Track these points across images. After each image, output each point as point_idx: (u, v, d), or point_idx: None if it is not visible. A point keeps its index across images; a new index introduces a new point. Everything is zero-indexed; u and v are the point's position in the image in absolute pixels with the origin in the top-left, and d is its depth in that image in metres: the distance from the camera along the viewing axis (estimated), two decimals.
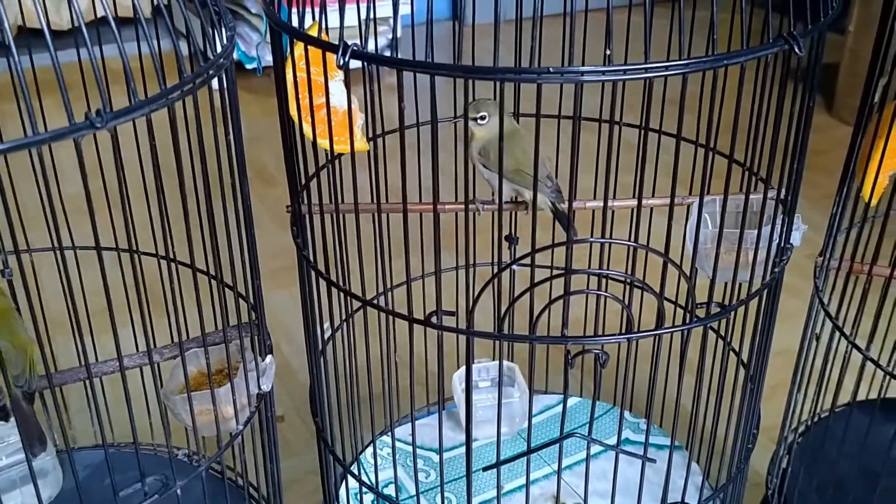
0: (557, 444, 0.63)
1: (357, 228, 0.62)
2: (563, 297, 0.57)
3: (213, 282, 0.71)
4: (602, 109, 0.80)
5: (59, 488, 0.89)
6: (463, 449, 0.98)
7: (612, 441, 0.98)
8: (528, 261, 0.56)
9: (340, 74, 0.71)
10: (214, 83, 0.59)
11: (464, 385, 1.02)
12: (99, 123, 0.48)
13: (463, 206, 0.57)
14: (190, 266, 0.72)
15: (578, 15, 0.78)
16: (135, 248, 0.62)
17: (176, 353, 0.70)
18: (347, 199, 0.68)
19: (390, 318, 0.63)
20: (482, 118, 0.73)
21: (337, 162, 0.71)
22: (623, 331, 0.57)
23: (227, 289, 0.67)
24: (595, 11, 0.84)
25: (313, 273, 0.68)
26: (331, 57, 0.58)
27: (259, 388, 0.69)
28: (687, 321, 0.59)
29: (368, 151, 0.73)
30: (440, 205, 0.69)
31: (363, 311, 0.64)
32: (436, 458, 0.98)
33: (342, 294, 0.65)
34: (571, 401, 1.04)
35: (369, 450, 0.90)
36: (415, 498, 0.91)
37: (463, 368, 1.02)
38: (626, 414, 1.03)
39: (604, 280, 0.64)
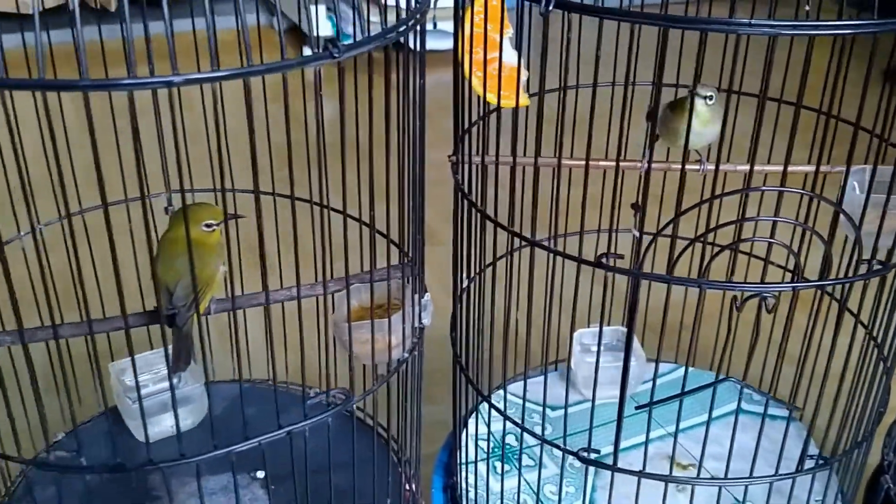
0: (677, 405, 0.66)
1: (511, 177, 0.66)
2: (734, 245, 0.60)
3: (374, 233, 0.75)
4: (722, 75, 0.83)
5: (202, 416, 0.96)
6: (580, 406, 1.01)
7: (728, 409, 1.00)
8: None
9: (511, 31, 0.75)
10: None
11: (581, 346, 1.06)
12: (336, 54, 0.52)
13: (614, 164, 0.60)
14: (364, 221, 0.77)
15: None
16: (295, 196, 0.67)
17: (341, 287, 0.75)
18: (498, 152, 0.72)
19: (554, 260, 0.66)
20: (710, 98, 0.78)
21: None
22: (791, 279, 0.60)
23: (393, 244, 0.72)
24: None
25: (473, 212, 0.72)
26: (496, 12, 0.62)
27: (420, 322, 0.74)
28: (850, 274, 0.62)
29: (527, 107, 0.77)
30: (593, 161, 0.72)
31: (531, 252, 0.67)
32: (551, 413, 1.01)
33: (509, 236, 0.69)
34: (681, 371, 1.07)
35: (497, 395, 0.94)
36: (530, 449, 0.95)
37: (582, 329, 1.06)
38: (738, 385, 1.05)
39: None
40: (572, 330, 0.78)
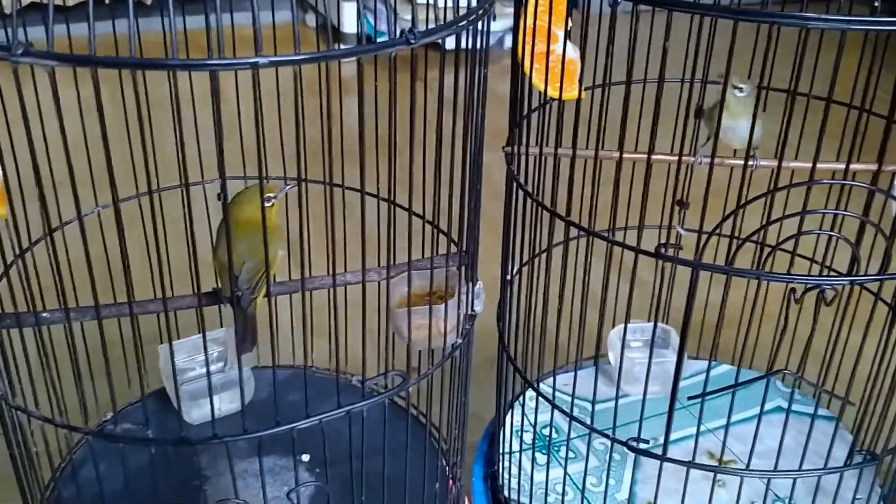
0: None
1: (571, 168, 0.67)
2: (795, 237, 0.60)
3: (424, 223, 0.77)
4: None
5: (249, 398, 0.97)
6: (620, 401, 1.02)
7: (768, 406, 1.01)
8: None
9: (568, 24, 0.76)
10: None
11: (622, 341, 1.06)
12: (413, 40, 0.54)
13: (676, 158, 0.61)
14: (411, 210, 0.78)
15: None
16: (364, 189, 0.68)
17: (393, 274, 0.76)
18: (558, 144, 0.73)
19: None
20: (740, 90, 0.79)
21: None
22: (849, 272, 0.61)
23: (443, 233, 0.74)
24: None
25: (528, 201, 0.73)
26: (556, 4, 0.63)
27: (472, 309, 0.75)
28: None
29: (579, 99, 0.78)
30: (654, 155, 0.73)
31: (587, 243, 0.68)
32: (590, 407, 1.02)
33: (566, 225, 0.70)
34: (722, 367, 1.07)
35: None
36: (572, 440, 0.96)
37: (620, 326, 1.07)
38: (778, 383, 1.05)
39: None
40: (628, 321, 0.78)
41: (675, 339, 1.05)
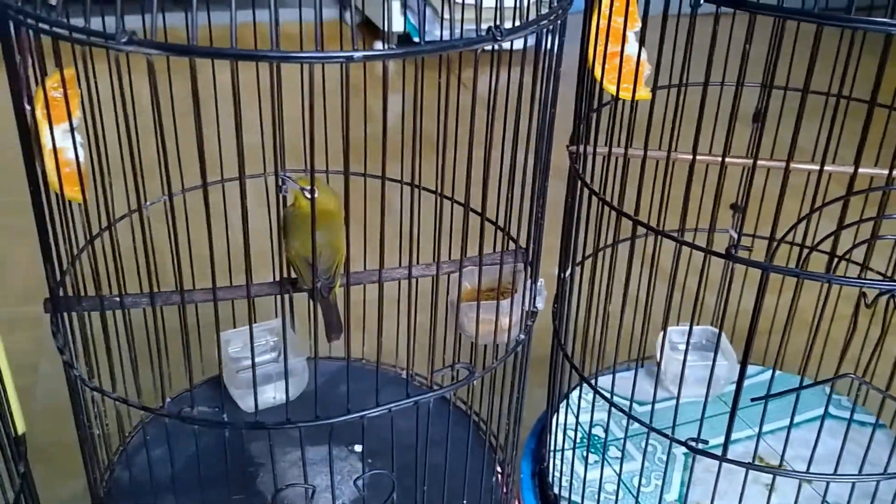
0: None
1: (641, 169, 0.67)
2: (868, 241, 0.61)
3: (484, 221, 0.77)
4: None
5: (302, 389, 0.99)
6: (666, 403, 1.02)
7: (814, 414, 1.01)
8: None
9: (638, 26, 0.76)
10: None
11: (671, 343, 1.07)
12: (499, 36, 0.54)
13: (751, 161, 0.62)
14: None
15: None
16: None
17: (454, 269, 0.77)
18: (628, 144, 0.73)
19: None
20: None
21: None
22: None
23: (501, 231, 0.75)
24: None
25: (593, 199, 0.73)
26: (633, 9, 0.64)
27: (534, 305, 0.76)
28: None
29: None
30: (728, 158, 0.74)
31: (656, 241, 0.69)
32: (639, 408, 1.02)
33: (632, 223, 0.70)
34: (772, 373, 1.07)
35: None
36: (621, 440, 0.96)
37: (672, 327, 1.07)
38: (826, 388, 1.05)
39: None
40: (666, 322, 0.79)
41: (724, 342, 1.05)
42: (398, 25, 2.50)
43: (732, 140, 0.81)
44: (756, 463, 0.73)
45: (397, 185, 0.91)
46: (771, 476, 0.90)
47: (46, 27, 0.52)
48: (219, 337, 0.93)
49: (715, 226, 0.66)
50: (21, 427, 0.70)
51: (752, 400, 0.72)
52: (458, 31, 0.69)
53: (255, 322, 1.01)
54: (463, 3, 0.85)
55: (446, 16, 2.46)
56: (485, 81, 0.64)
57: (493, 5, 0.60)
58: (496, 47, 0.56)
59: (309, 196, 0.77)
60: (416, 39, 2.46)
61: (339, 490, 0.88)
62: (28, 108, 0.63)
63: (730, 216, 1.00)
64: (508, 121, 0.65)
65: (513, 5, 0.66)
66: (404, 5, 2.50)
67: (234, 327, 1.00)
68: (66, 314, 0.67)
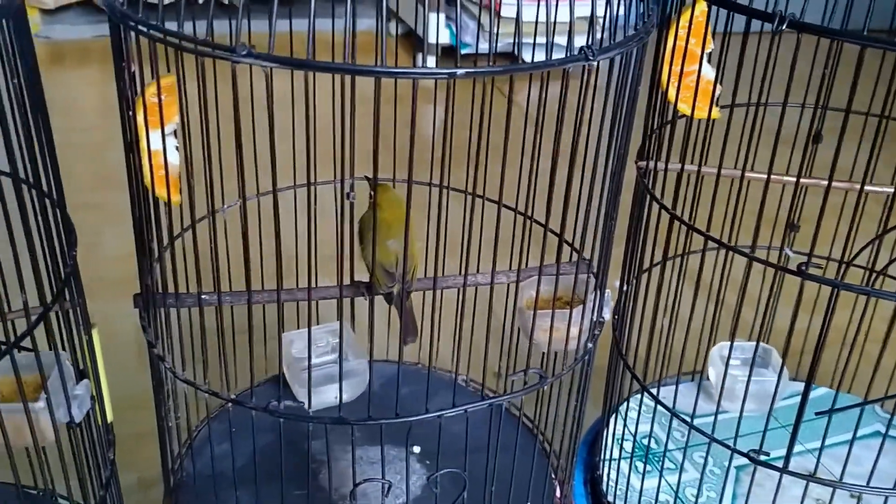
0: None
1: (715, 185, 0.70)
2: None
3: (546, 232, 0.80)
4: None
5: (362, 390, 1.01)
6: (718, 417, 1.04)
7: (860, 432, 1.02)
8: None
9: (711, 47, 0.79)
10: None
11: (721, 358, 1.08)
12: (591, 56, 0.57)
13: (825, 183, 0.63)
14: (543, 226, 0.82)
15: None
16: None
17: (515, 278, 0.80)
18: (702, 162, 0.76)
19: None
20: None
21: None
22: None
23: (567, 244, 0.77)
24: None
25: (656, 206, 0.76)
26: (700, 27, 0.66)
27: (601, 315, 0.78)
28: None
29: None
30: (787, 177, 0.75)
31: (725, 257, 0.71)
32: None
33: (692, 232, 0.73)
34: (820, 391, 1.08)
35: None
36: (672, 451, 0.98)
37: (722, 343, 1.09)
38: (877, 408, 1.06)
39: None
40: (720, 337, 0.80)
41: (776, 358, 1.06)
42: (444, 37, 2.54)
43: (791, 159, 0.83)
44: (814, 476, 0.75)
45: (460, 194, 0.94)
46: (821, 492, 0.92)
47: (175, 41, 0.55)
48: (311, 332, 0.97)
49: (782, 244, 0.68)
50: (110, 415, 0.73)
51: (817, 414, 0.74)
52: (496, 43, 0.71)
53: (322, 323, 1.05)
54: (519, 20, 0.88)
55: (492, 29, 2.50)
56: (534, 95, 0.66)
57: (534, 19, 0.62)
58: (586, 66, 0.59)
59: (372, 202, 0.80)
60: (463, 52, 2.49)
61: (398, 489, 0.90)
62: (129, 112, 0.67)
63: (788, 234, 1.02)
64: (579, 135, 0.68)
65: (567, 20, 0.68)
66: (447, 17, 2.54)
67: (297, 328, 1.03)
68: (161, 310, 0.70)
